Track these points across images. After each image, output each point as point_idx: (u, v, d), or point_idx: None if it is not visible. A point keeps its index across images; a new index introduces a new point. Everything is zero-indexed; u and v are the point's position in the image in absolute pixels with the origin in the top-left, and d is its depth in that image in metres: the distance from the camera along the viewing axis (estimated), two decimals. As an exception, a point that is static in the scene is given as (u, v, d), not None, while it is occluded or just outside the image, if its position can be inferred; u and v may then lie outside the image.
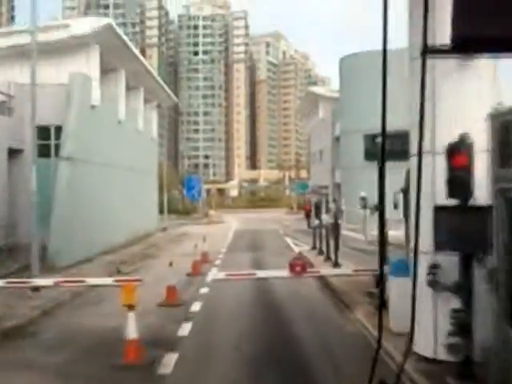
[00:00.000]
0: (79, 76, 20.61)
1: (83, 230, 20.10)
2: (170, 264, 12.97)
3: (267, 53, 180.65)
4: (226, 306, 12.16)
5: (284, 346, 8.96)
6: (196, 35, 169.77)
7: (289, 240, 29.52)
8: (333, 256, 17.54)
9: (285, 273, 8.84)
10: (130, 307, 8.03)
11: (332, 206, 16.23)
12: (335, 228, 16.63)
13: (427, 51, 3.13)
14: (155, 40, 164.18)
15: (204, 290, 13.63)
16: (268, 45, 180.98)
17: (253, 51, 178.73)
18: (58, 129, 20.12)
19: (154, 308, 12.03)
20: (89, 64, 21.62)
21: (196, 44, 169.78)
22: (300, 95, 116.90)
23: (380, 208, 4.17)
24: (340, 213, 16.81)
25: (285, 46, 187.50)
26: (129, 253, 22.76)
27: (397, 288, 8.69)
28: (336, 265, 16.62)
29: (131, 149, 28.17)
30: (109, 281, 8.78)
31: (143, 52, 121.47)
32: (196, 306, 11.99)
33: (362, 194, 11.39)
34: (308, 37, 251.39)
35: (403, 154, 17.35)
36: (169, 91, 35.82)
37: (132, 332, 8.05)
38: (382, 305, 6.71)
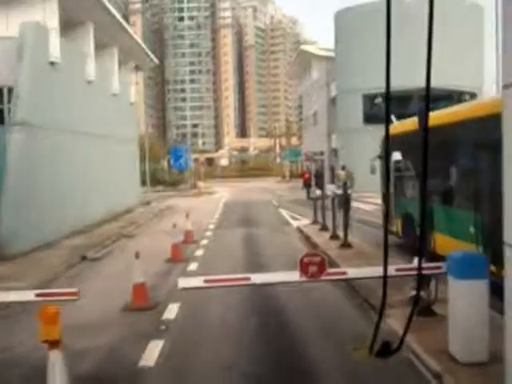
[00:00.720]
0: (32, 26, 17.25)
1: (45, 208, 17.03)
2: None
3: (255, 17, 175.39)
4: (212, 307, 9.22)
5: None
6: (181, 0, 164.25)
7: (284, 212, 26.56)
8: (340, 233, 14.67)
9: (294, 276, 5.85)
10: (53, 344, 5.06)
11: (341, 173, 13.22)
12: (345, 201, 13.66)
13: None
14: (138, 6, 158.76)
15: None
16: (255, 9, 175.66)
17: (240, 16, 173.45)
18: (12, 90, 16.86)
19: (115, 314, 9.09)
20: (45, 13, 18.21)
21: (181, 10, 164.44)
22: (290, 60, 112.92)
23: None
24: (352, 182, 13.80)
25: (272, 10, 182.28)
26: (102, 233, 19.72)
27: (463, 296, 5.75)
28: (346, 245, 13.71)
29: (105, 114, 24.87)
30: (29, 295, 5.71)
31: (126, 19, 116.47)
32: (171, 312, 9.02)
33: (396, 156, 8.56)
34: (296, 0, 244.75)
35: (402, 117, 14.10)
36: (148, 51, 32.31)
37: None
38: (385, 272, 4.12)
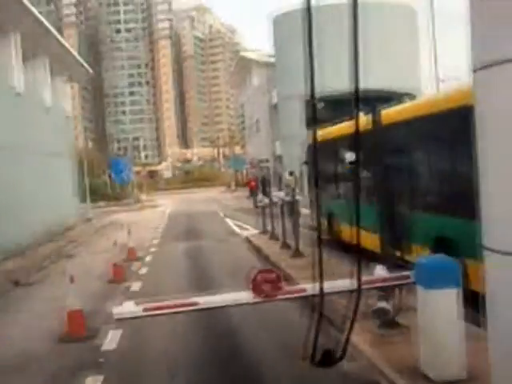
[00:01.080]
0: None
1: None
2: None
3: (193, 27, 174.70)
4: (158, 332, 8.37)
5: None
6: (117, 12, 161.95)
7: (231, 222, 25.85)
8: (291, 242, 14.07)
9: (246, 296, 5.14)
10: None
11: (289, 179, 12.63)
12: (294, 208, 13.07)
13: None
14: (73, 19, 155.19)
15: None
16: (193, 19, 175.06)
17: (178, 26, 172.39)
18: None
19: (48, 346, 8.12)
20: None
21: (118, 21, 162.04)
22: (229, 70, 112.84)
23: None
24: (298, 188, 13.24)
25: (211, 19, 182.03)
26: (38, 254, 18.48)
27: (434, 307, 5.17)
28: (297, 254, 13.11)
29: (37, 128, 23.53)
30: None
31: (61, 32, 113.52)
32: (112, 341, 8.11)
33: (351, 157, 8.06)
34: (234, 8, 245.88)
35: (342, 120, 13.80)
36: (81, 60, 31.05)
37: None
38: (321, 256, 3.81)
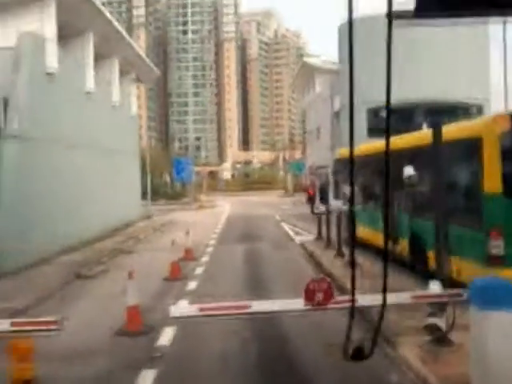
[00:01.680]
0: (30, 36, 16.82)
1: (40, 223, 16.45)
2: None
3: (258, 31, 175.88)
4: (212, 330, 8.58)
5: None
6: (185, 14, 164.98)
7: (287, 227, 25.96)
8: (346, 251, 14.05)
9: (298, 304, 5.25)
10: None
11: (346, 189, 12.63)
12: (349, 217, 13.05)
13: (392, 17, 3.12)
14: (142, 20, 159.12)
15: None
16: (259, 23, 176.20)
17: (243, 30, 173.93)
18: (8, 101, 16.35)
19: (106, 339, 8.48)
20: (43, 23, 17.78)
21: (185, 23, 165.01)
22: (292, 74, 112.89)
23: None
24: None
25: (276, 24, 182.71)
26: (100, 248, 19.14)
27: (489, 329, 5.13)
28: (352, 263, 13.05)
29: (105, 126, 24.38)
30: (4, 325, 5.10)
31: (130, 32, 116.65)
32: (166, 337, 8.39)
33: (409, 171, 7.99)
34: (299, 14, 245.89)
35: (406, 131, 13.73)
36: (149, 62, 31.91)
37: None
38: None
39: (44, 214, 16.81)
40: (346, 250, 14.29)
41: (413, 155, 11.65)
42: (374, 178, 15.21)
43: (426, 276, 8.64)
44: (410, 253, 12.12)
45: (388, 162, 3.43)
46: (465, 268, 9.02)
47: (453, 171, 9.56)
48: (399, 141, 11.62)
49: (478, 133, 9.23)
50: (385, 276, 3.23)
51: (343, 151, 17.33)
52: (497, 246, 8.76)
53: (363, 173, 15.91)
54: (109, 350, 7.97)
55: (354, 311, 3.31)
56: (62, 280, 13.33)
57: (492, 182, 9.03)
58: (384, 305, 2.94)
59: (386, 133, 3.43)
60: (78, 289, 12.88)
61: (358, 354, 3.12)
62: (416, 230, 11.73)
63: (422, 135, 11.35)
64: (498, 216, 8.88)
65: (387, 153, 3.39)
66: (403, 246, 12.41)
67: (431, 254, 9.87)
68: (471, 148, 9.41)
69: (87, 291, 12.59)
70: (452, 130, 9.57)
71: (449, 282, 6.94)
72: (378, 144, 12.50)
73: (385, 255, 2.98)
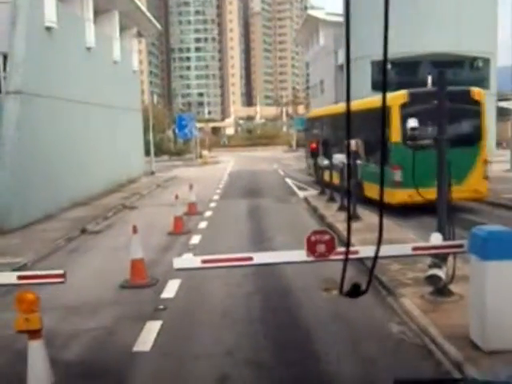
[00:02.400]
0: (27, -11, 16.46)
1: (44, 179, 16.50)
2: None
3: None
4: (215, 283, 8.70)
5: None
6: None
7: (291, 182, 25.99)
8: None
9: (300, 255, 5.30)
10: (33, 334, 4.55)
11: (351, 142, 12.55)
12: (353, 170, 13.06)
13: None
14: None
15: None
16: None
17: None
18: (7, 57, 16.16)
19: (112, 292, 8.61)
20: (40, -25, 17.38)
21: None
22: (296, 28, 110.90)
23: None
24: (361, 151, 13.17)
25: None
26: (104, 204, 19.23)
27: (488, 278, 5.18)
28: (354, 217, 13.12)
29: (106, 82, 24.16)
30: (11, 278, 5.17)
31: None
32: (170, 290, 8.51)
33: (413, 122, 7.94)
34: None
35: (411, 84, 13.77)
36: (150, 16, 31.34)
37: None
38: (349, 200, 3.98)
39: (47, 171, 16.84)
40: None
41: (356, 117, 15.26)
42: (331, 133, 21.17)
43: (360, 199, 14.30)
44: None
45: (384, 118, 3.34)
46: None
47: (375, 129, 12.63)
48: (342, 107, 15.32)
49: (388, 103, 10.81)
50: (380, 225, 3.21)
51: (313, 112, 24.64)
52: (397, 175, 13.82)
53: (324, 129, 23.29)
54: (114, 303, 8.10)
55: (349, 246, 3.37)
56: (68, 235, 13.43)
57: (395, 136, 13.97)
58: (377, 254, 2.97)
59: (383, 88, 3.35)
60: (83, 244, 13.00)
61: (354, 291, 3.20)
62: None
63: (362, 102, 14.90)
64: (399, 157, 13.31)
65: (384, 109, 3.32)
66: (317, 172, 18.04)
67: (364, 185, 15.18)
68: (377, 112, 12.49)
69: (92, 246, 12.72)
70: (374, 101, 13.17)
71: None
72: (334, 107, 21.06)
73: (380, 207, 2.96)
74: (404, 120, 12.11)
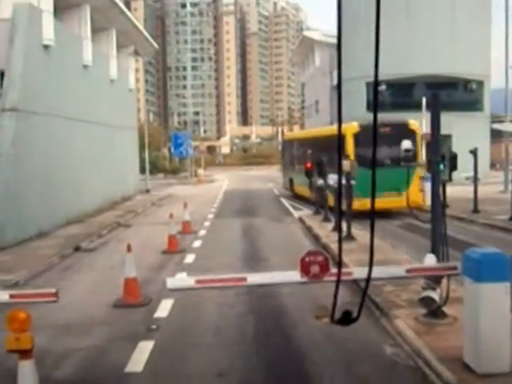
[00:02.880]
0: (26, 7, 16.57)
1: (39, 196, 16.48)
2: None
3: (258, 4, 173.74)
4: (208, 304, 8.67)
5: None
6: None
7: (286, 202, 26.01)
8: (343, 225, 14.07)
9: (294, 276, 5.30)
10: (24, 354, 4.52)
11: (345, 163, 12.63)
12: (347, 191, 13.10)
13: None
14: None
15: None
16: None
17: (243, 3, 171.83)
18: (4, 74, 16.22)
19: (104, 311, 8.55)
20: (39, -6, 17.53)
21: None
22: (292, 48, 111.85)
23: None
24: (355, 172, 13.21)
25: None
26: (98, 221, 19.18)
27: (482, 300, 5.19)
28: (349, 237, 13.15)
29: (102, 100, 24.26)
30: (2, 296, 5.14)
31: (128, 5, 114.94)
32: (164, 310, 8.46)
33: (407, 144, 7.99)
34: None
35: (405, 106, 14.03)
36: (147, 35, 31.57)
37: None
38: (340, 217, 4.28)
39: (42, 187, 16.82)
40: (344, 224, 14.32)
41: (314, 142, 23.38)
42: (300, 153, 26.57)
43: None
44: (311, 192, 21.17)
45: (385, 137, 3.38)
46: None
47: (333, 149, 15.86)
48: (310, 132, 24.55)
49: (343, 131, 13.21)
50: (371, 248, 3.22)
51: (287, 134, 35.65)
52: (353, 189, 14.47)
53: (295, 150, 29.12)
54: (106, 322, 8.05)
55: (340, 268, 3.40)
56: (62, 253, 13.37)
57: (350, 156, 15.97)
58: (369, 276, 2.99)
59: (374, 110, 3.40)
60: (77, 261, 12.94)
61: (346, 319, 3.20)
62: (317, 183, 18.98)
63: (320, 130, 22.21)
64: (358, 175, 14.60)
65: (375, 131, 3.38)
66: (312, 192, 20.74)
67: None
68: (334, 139, 14.87)
69: (86, 264, 12.65)
70: (331, 129, 20.39)
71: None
72: (304, 132, 31.29)
73: (371, 229, 2.98)
74: (356, 145, 18.14)
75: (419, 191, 17.59)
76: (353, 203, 14.37)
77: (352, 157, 16.39)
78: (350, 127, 18.35)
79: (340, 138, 4.27)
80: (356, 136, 18.19)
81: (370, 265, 3.10)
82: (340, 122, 3.77)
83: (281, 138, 39.63)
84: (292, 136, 36.95)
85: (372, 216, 2.89)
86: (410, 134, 17.50)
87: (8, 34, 16.09)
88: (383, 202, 15.02)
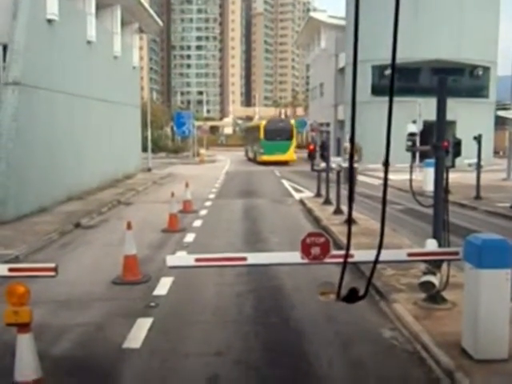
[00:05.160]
0: (29, -19, 16.38)
1: (40, 172, 16.43)
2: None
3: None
4: (208, 282, 8.68)
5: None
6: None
7: (287, 184, 25.99)
8: (345, 208, 14.06)
9: (294, 257, 5.28)
10: (22, 328, 4.51)
11: (347, 145, 12.55)
12: (350, 174, 13.02)
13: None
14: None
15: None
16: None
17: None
18: (7, 48, 16.07)
19: (103, 288, 8.56)
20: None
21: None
22: (298, 30, 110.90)
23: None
24: (359, 155, 13.13)
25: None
26: (99, 199, 19.16)
27: (482, 287, 5.16)
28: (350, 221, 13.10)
29: (106, 77, 24.11)
30: (1, 270, 5.13)
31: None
32: (163, 287, 8.47)
33: (412, 128, 7.92)
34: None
35: (412, 90, 13.96)
36: (152, 12, 31.27)
37: None
38: (350, 210, 4.28)
39: (44, 163, 16.77)
40: (344, 207, 14.31)
41: (252, 129, 49.31)
42: (249, 136, 51.93)
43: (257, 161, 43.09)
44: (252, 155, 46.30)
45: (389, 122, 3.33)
46: (258, 155, 43.08)
47: (256, 134, 43.91)
48: (252, 123, 59.28)
49: (260, 124, 44.58)
50: (381, 233, 3.18)
51: (246, 124, 71.73)
52: (262, 149, 42.20)
53: (247, 133, 54.75)
54: (105, 298, 8.06)
55: (347, 256, 3.37)
56: (62, 229, 13.37)
57: (262, 136, 42.05)
58: (377, 258, 2.96)
59: (390, 95, 3.33)
60: (76, 238, 12.95)
61: (352, 296, 3.17)
62: (254, 149, 45.70)
63: (256, 122, 51.77)
64: (263, 143, 42.05)
65: (390, 114, 3.30)
66: (252, 154, 46.82)
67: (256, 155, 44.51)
68: (259, 128, 43.40)
69: (86, 241, 12.66)
70: (257, 122, 52.39)
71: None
72: (256, 122, 57.13)
73: (382, 215, 2.95)
74: (265, 132, 42.51)
75: (294, 153, 42.60)
76: (262, 157, 41.45)
77: (263, 136, 42.23)
78: (263, 122, 44.97)
79: (353, 126, 4.29)
80: (265, 126, 43.06)
81: (380, 246, 3.07)
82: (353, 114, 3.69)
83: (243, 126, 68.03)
84: (247, 125, 64.97)
85: (383, 201, 2.85)
86: (290, 127, 43.99)
87: (11, 8, 15.93)
88: (276, 157, 40.54)
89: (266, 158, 40.95)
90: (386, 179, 3.50)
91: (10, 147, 14.83)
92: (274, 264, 5.88)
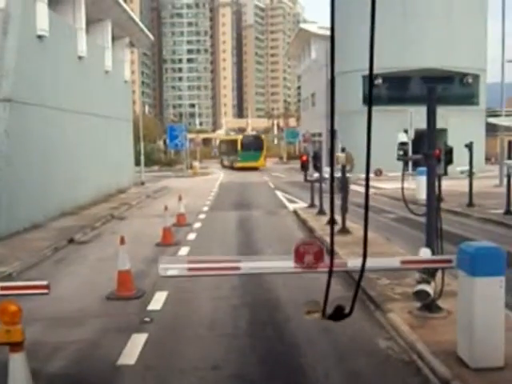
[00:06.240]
0: (19, -3, 16.41)
1: (32, 188, 16.37)
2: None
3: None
4: (202, 296, 8.64)
5: None
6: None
7: (281, 195, 25.99)
8: (338, 218, 14.04)
9: (287, 264, 5.28)
10: (14, 347, 4.47)
11: (340, 155, 12.59)
12: (343, 183, 13.06)
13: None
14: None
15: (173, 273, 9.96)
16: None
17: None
18: (-2, 65, 16.07)
19: (97, 304, 8.50)
20: (33, -16, 17.35)
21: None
22: (289, 41, 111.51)
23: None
24: (352, 165, 13.14)
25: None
26: (92, 214, 19.08)
27: (476, 294, 5.16)
28: (344, 231, 13.13)
29: (97, 92, 24.11)
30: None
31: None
32: (157, 302, 8.42)
33: (403, 137, 7.93)
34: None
35: (403, 99, 14.00)
36: (142, 26, 31.36)
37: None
38: (332, 221, 4.24)
39: (36, 179, 16.72)
40: (338, 218, 14.30)
41: (227, 142, 63.08)
42: (224, 148, 65.98)
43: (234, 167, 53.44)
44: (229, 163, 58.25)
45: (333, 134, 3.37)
46: (235, 162, 54.34)
47: (234, 146, 55.67)
48: (227, 137, 70.61)
49: (238, 138, 56.21)
50: (365, 240, 3.18)
51: (221, 137, 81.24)
52: (239, 157, 53.36)
53: (222, 146, 68.04)
54: (99, 314, 8.00)
55: (331, 271, 3.36)
56: (55, 245, 13.30)
57: (239, 147, 53.43)
58: (363, 268, 2.96)
59: (369, 106, 3.35)
60: (70, 254, 12.87)
61: (338, 314, 3.15)
62: (230, 158, 57.32)
63: (230, 136, 67.31)
64: (240, 153, 53.22)
65: (369, 127, 3.31)
66: (228, 162, 58.31)
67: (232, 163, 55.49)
68: (236, 142, 54.65)
69: (79, 256, 12.59)
70: (233, 137, 62.58)
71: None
72: (229, 136, 70.58)
73: (365, 222, 2.94)
74: (241, 144, 53.89)
75: (264, 161, 54.37)
76: (238, 163, 53.07)
77: (240, 148, 53.46)
78: (240, 137, 56.95)
79: (333, 135, 4.37)
80: (241, 140, 54.07)
81: (364, 256, 3.05)
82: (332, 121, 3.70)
83: (218, 140, 79.30)
84: (222, 138, 76.54)
85: (366, 210, 2.85)
86: (261, 141, 55.62)
87: (1, 24, 15.94)
88: (249, 163, 51.25)
89: (241, 164, 52.17)
90: (367, 186, 3.49)
91: (2, 163, 14.77)
92: (267, 272, 5.84)
